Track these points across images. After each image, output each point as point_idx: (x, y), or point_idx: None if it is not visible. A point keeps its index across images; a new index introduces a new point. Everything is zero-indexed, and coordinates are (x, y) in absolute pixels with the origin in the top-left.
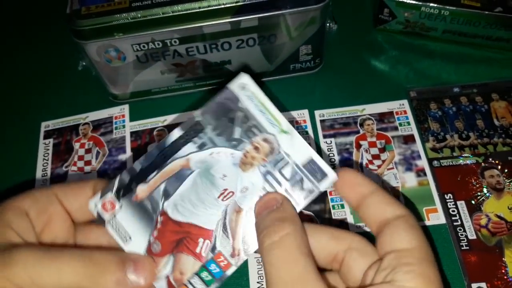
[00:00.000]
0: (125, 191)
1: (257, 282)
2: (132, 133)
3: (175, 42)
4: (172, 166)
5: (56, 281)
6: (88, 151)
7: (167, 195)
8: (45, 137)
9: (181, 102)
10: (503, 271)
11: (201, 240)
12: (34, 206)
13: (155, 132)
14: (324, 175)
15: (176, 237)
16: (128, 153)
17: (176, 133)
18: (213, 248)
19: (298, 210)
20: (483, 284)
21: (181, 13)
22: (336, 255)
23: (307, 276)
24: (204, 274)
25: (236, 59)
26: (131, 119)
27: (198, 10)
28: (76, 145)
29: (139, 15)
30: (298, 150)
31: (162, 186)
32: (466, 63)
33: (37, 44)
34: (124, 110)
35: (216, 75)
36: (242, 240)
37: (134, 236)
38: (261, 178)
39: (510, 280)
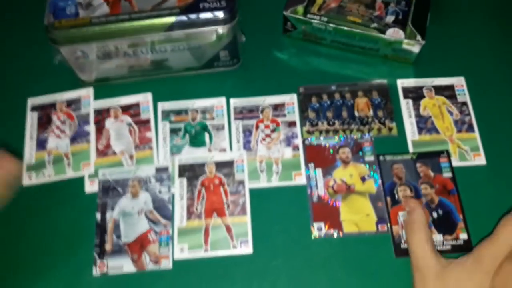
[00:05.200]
0: (102, 253)
1: None
2: (95, 110)
3: (124, 47)
4: (110, 225)
5: None
6: (63, 122)
7: (119, 236)
8: (32, 110)
9: (133, 87)
10: (336, 216)
11: (149, 236)
12: None
13: (111, 110)
14: None
15: (139, 245)
16: (92, 125)
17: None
18: (156, 233)
19: None
20: (322, 224)
21: (128, 28)
22: None
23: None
24: (163, 244)
25: (172, 58)
26: (95, 99)
27: (140, 27)
28: (54, 117)
29: (97, 29)
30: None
31: (115, 236)
32: (346, 64)
33: (26, 44)
34: (89, 92)
35: (158, 68)
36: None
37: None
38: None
39: (340, 221)
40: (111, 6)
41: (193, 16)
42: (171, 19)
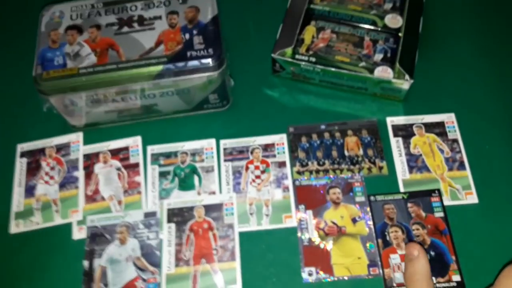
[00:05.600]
0: None
1: None
2: (84, 155)
3: (112, 94)
4: (97, 273)
5: None
6: (52, 168)
7: (106, 285)
8: (21, 156)
9: (123, 131)
10: (328, 259)
11: (136, 283)
12: None
13: (100, 155)
14: None
15: None
16: (81, 170)
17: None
18: (143, 280)
19: None
20: (313, 268)
21: (116, 78)
22: None
23: None
24: None
25: (161, 103)
26: (85, 143)
27: (128, 76)
28: (43, 163)
29: (84, 79)
30: None
31: (102, 285)
32: (336, 101)
33: (16, 91)
34: (79, 137)
35: (148, 112)
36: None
37: None
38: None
39: (331, 265)
40: (99, 56)
41: (180, 64)
42: (159, 68)
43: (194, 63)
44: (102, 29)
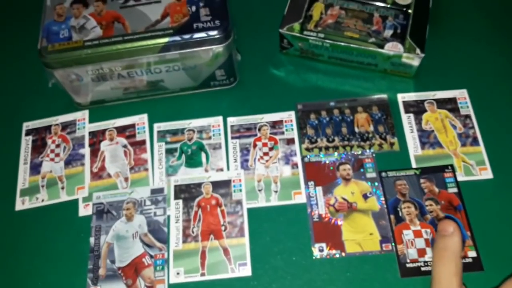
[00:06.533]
0: (95, 279)
1: None
2: (90, 133)
3: (118, 69)
4: (104, 249)
5: None
6: (58, 146)
7: (113, 261)
8: (26, 134)
9: (128, 108)
10: (338, 235)
11: (143, 259)
12: None
13: (106, 132)
14: None
15: (133, 270)
16: (87, 147)
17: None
18: (150, 257)
19: None
20: (324, 244)
21: (121, 51)
22: None
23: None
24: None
25: (167, 79)
26: (90, 121)
27: (133, 48)
28: (49, 141)
29: (90, 52)
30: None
31: (108, 261)
32: (345, 79)
33: (21, 68)
34: (85, 114)
35: (153, 89)
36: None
37: None
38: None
39: (342, 241)
40: (105, 29)
41: (186, 36)
42: (165, 40)
43: (200, 34)
44: (107, 3)
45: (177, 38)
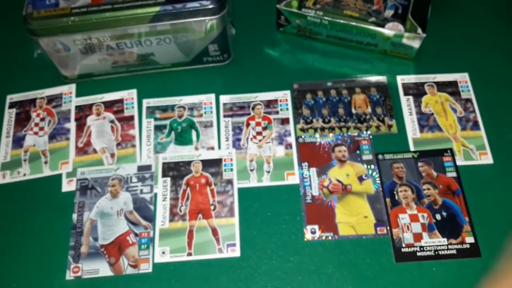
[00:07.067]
0: (77, 256)
1: None
2: (76, 107)
3: (107, 39)
4: (86, 226)
5: None
6: (42, 119)
7: (96, 238)
8: (10, 107)
9: (118, 84)
10: (332, 217)
11: (128, 238)
12: None
13: (94, 107)
14: None
15: (117, 248)
16: (72, 122)
17: None
18: (135, 235)
19: None
20: (316, 226)
21: (110, 19)
22: None
23: None
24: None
25: (158, 52)
26: (77, 96)
27: (122, 17)
28: (33, 115)
29: (77, 19)
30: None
31: (91, 238)
32: (343, 60)
33: (7, 41)
34: (72, 88)
35: (144, 63)
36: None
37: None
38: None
39: (336, 223)
40: None
41: (179, 5)
42: (156, 9)
43: (193, 4)
44: None
45: (169, 7)
